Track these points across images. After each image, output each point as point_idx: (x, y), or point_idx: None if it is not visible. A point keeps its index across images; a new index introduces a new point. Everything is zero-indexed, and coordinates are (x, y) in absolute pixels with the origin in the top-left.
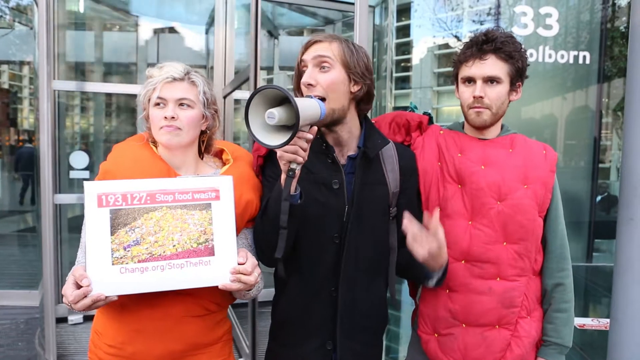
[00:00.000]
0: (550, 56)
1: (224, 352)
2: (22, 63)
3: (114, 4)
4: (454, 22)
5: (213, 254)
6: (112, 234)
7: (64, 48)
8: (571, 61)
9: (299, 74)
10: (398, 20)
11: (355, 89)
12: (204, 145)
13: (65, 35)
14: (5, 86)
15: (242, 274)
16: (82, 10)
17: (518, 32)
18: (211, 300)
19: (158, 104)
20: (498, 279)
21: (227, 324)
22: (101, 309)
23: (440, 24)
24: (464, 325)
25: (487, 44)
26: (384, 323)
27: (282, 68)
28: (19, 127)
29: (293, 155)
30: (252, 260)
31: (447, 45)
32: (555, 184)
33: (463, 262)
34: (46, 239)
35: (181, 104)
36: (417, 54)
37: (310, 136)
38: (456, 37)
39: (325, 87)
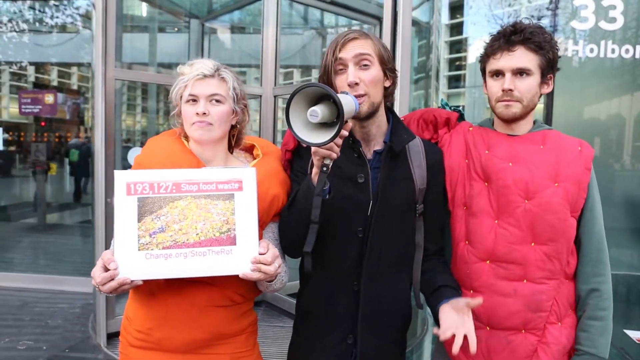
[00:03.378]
0: (613, 51)
1: (248, 343)
2: (89, 65)
3: (167, 6)
4: (512, 19)
5: (235, 244)
6: (139, 220)
7: (121, 49)
8: (637, 56)
9: (330, 72)
10: (452, 17)
11: (388, 83)
12: (234, 139)
13: (122, 37)
14: (75, 87)
15: (262, 263)
16: (138, 13)
17: (578, 26)
18: (235, 291)
19: (189, 101)
20: (525, 281)
21: (253, 316)
22: (132, 296)
23: (496, 20)
24: (487, 328)
25: (515, 34)
26: (408, 320)
27: None
28: (86, 125)
29: (328, 151)
30: (273, 250)
31: None
32: (591, 183)
33: (488, 262)
34: (98, 233)
35: (212, 100)
36: (473, 52)
37: (345, 133)
38: None
39: (368, 84)
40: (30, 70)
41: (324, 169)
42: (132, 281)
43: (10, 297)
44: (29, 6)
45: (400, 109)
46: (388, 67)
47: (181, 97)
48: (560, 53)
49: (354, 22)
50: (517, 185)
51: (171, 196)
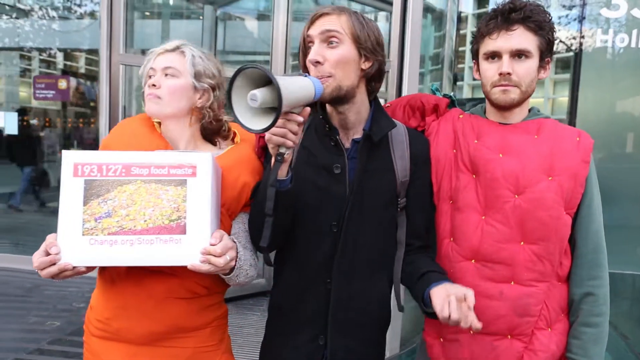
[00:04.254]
0: None
1: (214, 337)
2: None
3: None
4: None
5: (184, 232)
6: (84, 204)
7: (132, 35)
8: None
9: (305, 51)
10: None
11: (366, 65)
12: (216, 128)
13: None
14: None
15: (212, 255)
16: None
17: (608, 14)
18: (198, 282)
19: (149, 76)
20: (512, 282)
21: (221, 310)
22: (97, 284)
23: None
24: (471, 332)
25: (514, 12)
26: (385, 322)
27: None
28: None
29: (281, 138)
30: (225, 242)
31: None
32: (590, 177)
33: (473, 261)
34: None
35: (166, 74)
36: None
37: (300, 119)
38: None
39: (333, 64)
40: (59, 57)
41: (279, 158)
42: (74, 267)
43: (22, 280)
44: None
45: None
46: (364, 46)
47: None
48: (589, 43)
49: (367, 8)
50: (507, 179)
51: (120, 179)
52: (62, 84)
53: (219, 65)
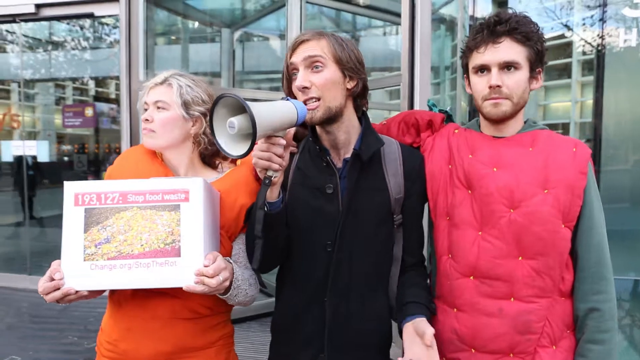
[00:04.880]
0: None
1: (219, 356)
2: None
3: (199, 17)
4: (565, 11)
5: (179, 255)
6: (85, 231)
7: (153, 60)
8: None
9: (289, 78)
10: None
11: (351, 84)
12: (213, 152)
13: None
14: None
15: (205, 276)
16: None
17: (631, 13)
18: (201, 303)
19: (144, 110)
20: (512, 299)
21: (226, 329)
22: (107, 307)
23: (547, 13)
24: (473, 350)
25: (500, 24)
26: (387, 339)
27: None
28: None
29: (267, 162)
30: (218, 263)
31: (562, 36)
32: (588, 188)
33: (471, 278)
34: None
35: (157, 108)
36: None
37: (283, 142)
38: (567, 26)
39: (320, 87)
40: (91, 84)
41: (267, 181)
42: (76, 291)
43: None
44: (89, 24)
45: (420, 108)
46: (347, 67)
47: None
48: (612, 44)
49: (384, 23)
50: (501, 193)
51: (117, 207)
52: (89, 111)
53: (210, 90)
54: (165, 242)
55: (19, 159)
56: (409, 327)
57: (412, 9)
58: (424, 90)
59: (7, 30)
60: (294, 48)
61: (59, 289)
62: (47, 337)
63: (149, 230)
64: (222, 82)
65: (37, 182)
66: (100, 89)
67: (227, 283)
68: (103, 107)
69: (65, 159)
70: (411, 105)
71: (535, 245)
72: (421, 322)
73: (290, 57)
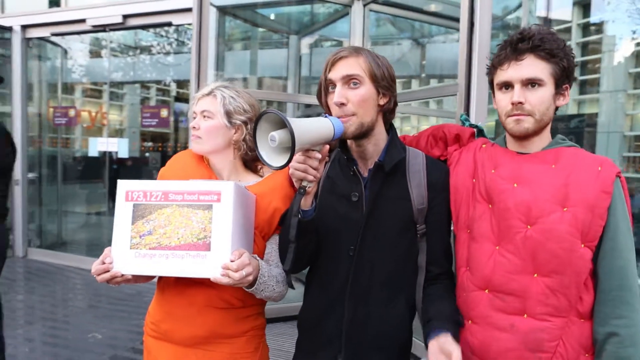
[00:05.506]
0: None
1: (249, 346)
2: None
3: (268, 24)
4: None
5: (209, 250)
6: (132, 223)
7: (223, 66)
8: None
9: (326, 92)
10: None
11: (383, 101)
12: (253, 157)
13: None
14: None
15: (230, 269)
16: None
17: None
18: (232, 294)
19: (194, 118)
20: (525, 315)
21: (258, 321)
22: (155, 292)
23: None
24: None
25: (522, 42)
26: (406, 345)
27: (429, 76)
28: None
29: (303, 173)
30: (242, 259)
31: None
32: (614, 209)
33: (487, 291)
34: None
35: (204, 116)
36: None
37: (319, 156)
38: None
39: (356, 104)
40: (173, 86)
41: (301, 190)
42: (122, 275)
43: (124, 286)
44: (173, 30)
45: (477, 117)
46: (382, 84)
47: None
48: None
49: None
50: (518, 209)
51: (159, 204)
52: (164, 112)
53: (253, 100)
54: (198, 237)
55: (102, 154)
56: (434, 345)
57: (471, 15)
58: (481, 98)
59: (97, 38)
60: (333, 63)
61: (108, 271)
62: (119, 317)
63: (184, 226)
64: (288, 87)
65: (119, 176)
66: (180, 90)
67: (251, 278)
68: (183, 107)
69: (146, 155)
70: (467, 113)
71: (550, 262)
72: (447, 341)
73: (329, 72)
